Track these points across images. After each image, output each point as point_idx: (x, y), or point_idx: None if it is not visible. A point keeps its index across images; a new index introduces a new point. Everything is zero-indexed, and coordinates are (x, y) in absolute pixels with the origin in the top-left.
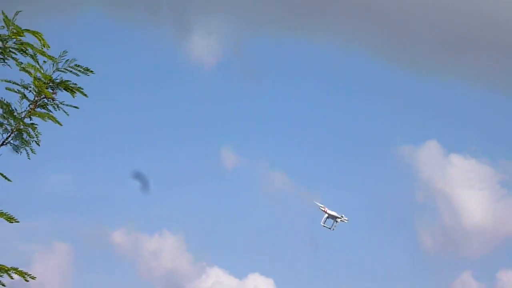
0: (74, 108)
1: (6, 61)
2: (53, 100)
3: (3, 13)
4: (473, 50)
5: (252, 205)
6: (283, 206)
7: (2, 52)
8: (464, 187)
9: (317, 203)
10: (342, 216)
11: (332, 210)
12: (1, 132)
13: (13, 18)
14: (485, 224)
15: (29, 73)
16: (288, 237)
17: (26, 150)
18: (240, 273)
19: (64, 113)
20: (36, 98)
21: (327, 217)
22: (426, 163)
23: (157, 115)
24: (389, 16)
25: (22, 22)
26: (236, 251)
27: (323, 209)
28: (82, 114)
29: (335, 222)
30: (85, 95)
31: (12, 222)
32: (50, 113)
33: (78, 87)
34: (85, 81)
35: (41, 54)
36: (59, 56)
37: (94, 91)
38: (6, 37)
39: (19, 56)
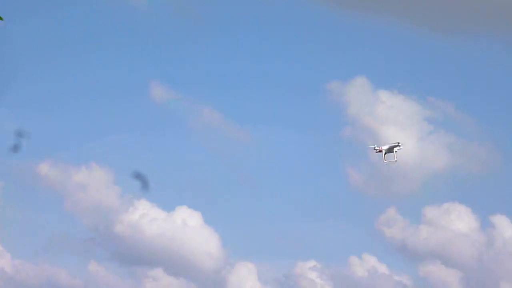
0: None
1: None
2: None
3: None
4: None
5: (181, 138)
6: (213, 141)
7: None
8: (392, 123)
9: (370, 146)
10: (398, 144)
11: (384, 145)
12: None
13: None
14: (412, 160)
15: None
16: (216, 171)
17: None
18: (168, 206)
19: None
20: None
21: (385, 153)
22: (354, 99)
23: (88, 47)
24: None
25: None
26: (164, 184)
27: (378, 149)
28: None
29: (394, 153)
30: (1, 18)
31: None
32: None
33: None
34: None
35: None
36: None
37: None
38: None
39: None
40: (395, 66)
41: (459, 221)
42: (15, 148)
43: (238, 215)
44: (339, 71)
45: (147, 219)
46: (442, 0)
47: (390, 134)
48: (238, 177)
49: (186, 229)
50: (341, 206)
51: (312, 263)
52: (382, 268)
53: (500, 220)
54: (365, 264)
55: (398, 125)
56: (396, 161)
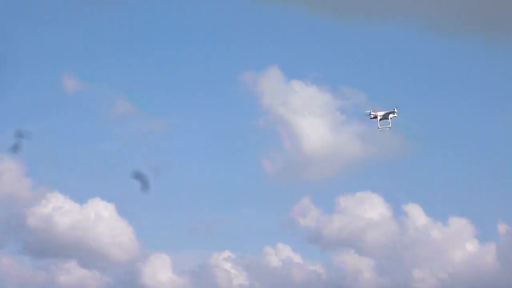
0: None
1: None
2: None
3: None
4: None
5: (93, 129)
6: (126, 132)
7: None
8: (305, 113)
9: (366, 111)
10: (394, 110)
11: (381, 111)
12: None
13: None
14: (325, 150)
15: None
16: (129, 162)
17: None
18: (80, 198)
19: None
20: None
21: (380, 119)
22: (267, 89)
23: None
24: None
25: None
26: (77, 176)
27: (374, 115)
28: None
29: (390, 119)
30: None
31: None
32: None
33: None
34: None
35: None
36: None
37: None
38: None
39: None
40: (307, 56)
41: (372, 210)
42: (15, 148)
43: (152, 206)
44: (251, 61)
45: (59, 211)
46: None
47: (304, 124)
48: (152, 167)
49: (99, 221)
50: (256, 196)
51: (227, 253)
52: (297, 258)
53: (412, 209)
54: (280, 254)
55: (311, 115)
56: (390, 127)
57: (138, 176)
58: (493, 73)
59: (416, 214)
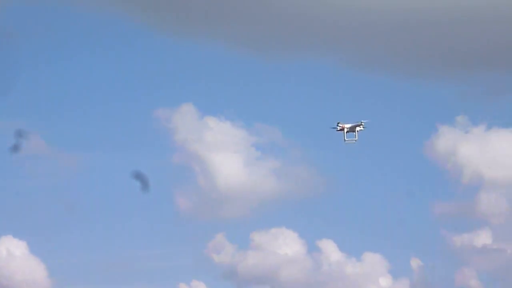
0: None
1: None
2: None
3: None
4: (238, 16)
5: (4, 166)
6: (39, 168)
7: None
8: (219, 149)
9: (337, 125)
10: (361, 123)
11: (348, 123)
12: None
13: None
14: (240, 186)
15: None
16: (42, 199)
17: None
18: None
19: None
20: None
21: (347, 132)
22: (182, 126)
23: None
24: None
25: None
26: None
27: (340, 127)
28: None
29: (356, 132)
30: None
31: None
32: None
33: None
34: None
35: None
36: None
37: None
38: None
39: None
40: (222, 93)
41: (286, 246)
42: (15, 148)
43: (66, 244)
44: (166, 98)
45: None
46: (268, 25)
47: (218, 160)
48: (65, 205)
49: (11, 259)
50: (171, 232)
51: None
52: None
53: (326, 245)
54: None
55: (226, 151)
56: (356, 140)
57: (138, 176)
58: (408, 109)
59: (330, 250)
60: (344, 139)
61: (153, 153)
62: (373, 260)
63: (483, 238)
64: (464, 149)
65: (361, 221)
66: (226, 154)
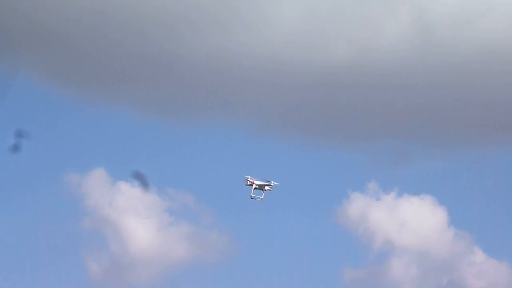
0: None
1: None
2: None
3: None
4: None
5: None
6: None
7: None
8: (132, 214)
9: (245, 176)
10: (271, 182)
11: (258, 180)
12: None
13: None
14: (152, 251)
15: None
16: None
17: None
18: None
19: None
20: None
21: (255, 188)
22: (93, 191)
23: None
24: (61, 39)
25: None
26: None
27: (250, 182)
28: None
29: (264, 191)
30: None
31: None
32: None
33: None
34: None
35: None
36: None
37: None
38: None
39: None
40: (133, 158)
41: None
42: (15, 148)
43: None
44: (76, 162)
45: None
46: (177, 90)
47: (130, 225)
48: None
49: None
50: None
51: None
52: None
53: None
54: None
55: (138, 216)
56: (262, 199)
57: (138, 176)
58: (319, 174)
59: None
60: (251, 195)
61: (63, 218)
62: None
63: None
64: (375, 216)
65: (272, 285)
66: (138, 219)
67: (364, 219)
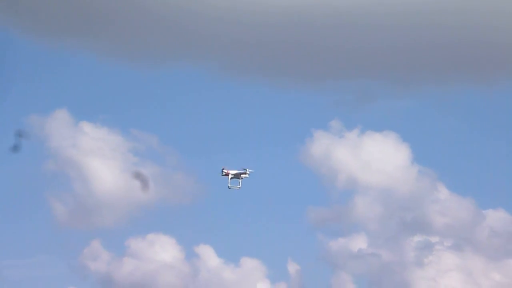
0: None
1: None
2: None
3: None
4: (104, 23)
5: None
6: None
7: None
8: (96, 155)
9: (221, 169)
10: (246, 171)
11: (233, 170)
12: None
13: None
14: (116, 192)
15: None
16: None
17: None
18: None
19: None
20: None
21: (231, 178)
22: (55, 133)
23: None
24: None
25: None
26: None
27: (226, 173)
28: None
29: (240, 179)
30: None
31: None
32: None
33: None
34: None
35: None
36: None
37: None
38: None
39: None
40: (97, 98)
41: (163, 252)
42: (15, 148)
43: None
44: (38, 104)
45: None
46: (143, 32)
47: (94, 167)
48: None
49: None
50: (45, 240)
51: None
52: None
53: (204, 250)
54: None
55: (102, 157)
56: (240, 187)
57: (138, 176)
58: (282, 115)
59: (208, 256)
60: (228, 186)
61: (26, 160)
62: (251, 265)
63: (358, 242)
64: (339, 154)
65: (238, 226)
66: (102, 160)
67: (327, 158)
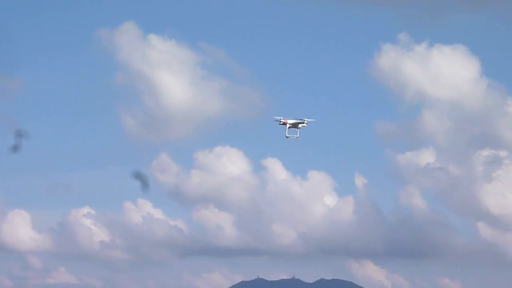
0: None
1: None
2: None
3: None
4: None
5: None
6: None
7: None
8: (164, 68)
9: (275, 117)
10: (304, 120)
11: (291, 119)
12: None
13: None
14: (184, 106)
15: None
16: None
17: None
18: None
19: None
20: None
21: (289, 127)
22: (124, 45)
23: None
24: None
25: None
26: None
27: (283, 122)
28: None
29: (298, 129)
30: None
31: None
32: None
33: None
34: None
35: None
36: None
37: None
38: None
39: None
40: (165, 11)
41: (231, 165)
42: (15, 147)
43: (10, 164)
44: (106, 17)
45: None
46: None
47: (163, 79)
48: (8, 126)
49: None
50: (115, 152)
51: (86, 209)
52: (158, 214)
53: (272, 163)
54: (141, 210)
55: (170, 70)
56: (297, 137)
57: (138, 176)
58: (351, 30)
59: (276, 169)
60: (286, 135)
61: (96, 73)
62: (318, 178)
63: (426, 156)
64: (407, 67)
65: (307, 140)
66: (171, 73)
67: (395, 71)
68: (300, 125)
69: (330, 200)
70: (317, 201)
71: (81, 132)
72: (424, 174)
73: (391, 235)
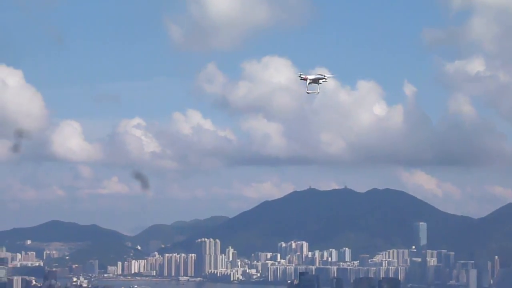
0: None
1: None
2: None
3: None
4: None
5: None
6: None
7: None
8: None
9: (298, 74)
10: (324, 76)
11: (312, 74)
12: None
13: None
14: (231, 15)
15: None
16: (32, 30)
17: None
18: None
19: None
20: None
21: (310, 83)
22: None
23: None
24: None
25: None
26: None
27: (304, 77)
28: None
29: (318, 84)
30: None
31: None
32: None
33: None
34: None
35: None
36: None
37: None
38: None
39: None
40: None
41: (279, 74)
42: (15, 147)
43: (61, 75)
44: None
45: None
46: None
47: None
48: (54, 36)
49: (6, 89)
50: (162, 62)
51: (136, 120)
52: (207, 124)
53: (320, 72)
54: (190, 121)
55: None
56: (318, 92)
57: (138, 176)
58: None
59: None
60: (307, 91)
61: None
62: (367, 87)
63: (475, 64)
64: None
65: (355, 49)
66: None
67: None
68: (321, 81)
69: (379, 109)
70: (366, 110)
71: (127, 43)
72: (473, 81)
73: (440, 143)
